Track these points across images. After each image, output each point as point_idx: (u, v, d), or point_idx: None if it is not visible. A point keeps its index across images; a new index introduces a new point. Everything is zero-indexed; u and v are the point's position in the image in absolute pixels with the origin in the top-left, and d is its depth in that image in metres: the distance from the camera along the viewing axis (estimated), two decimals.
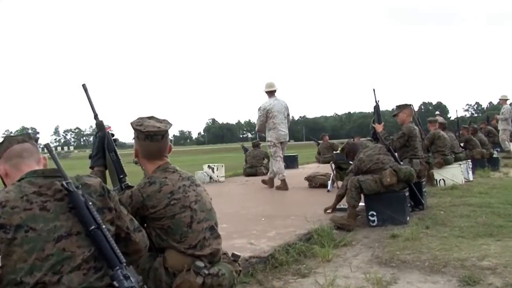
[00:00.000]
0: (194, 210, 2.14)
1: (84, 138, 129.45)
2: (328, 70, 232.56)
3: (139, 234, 1.82)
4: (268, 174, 7.84)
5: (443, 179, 7.07)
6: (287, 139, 7.39)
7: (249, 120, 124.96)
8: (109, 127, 2.32)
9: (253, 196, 6.81)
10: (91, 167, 2.29)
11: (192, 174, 2.33)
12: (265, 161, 10.43)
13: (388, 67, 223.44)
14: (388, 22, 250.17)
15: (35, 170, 1.64)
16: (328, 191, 6.63)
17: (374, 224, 4.41)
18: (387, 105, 49.72)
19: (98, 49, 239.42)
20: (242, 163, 11.17)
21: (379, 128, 5.39)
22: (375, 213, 4.43)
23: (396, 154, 4.98)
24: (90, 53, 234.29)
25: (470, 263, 2.97)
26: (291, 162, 12.03)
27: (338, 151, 9.14)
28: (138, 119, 2.24)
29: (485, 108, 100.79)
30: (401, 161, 5.15)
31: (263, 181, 7.83)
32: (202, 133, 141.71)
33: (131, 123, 2.23)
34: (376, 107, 5.56)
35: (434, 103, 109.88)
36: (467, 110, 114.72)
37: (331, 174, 6.95)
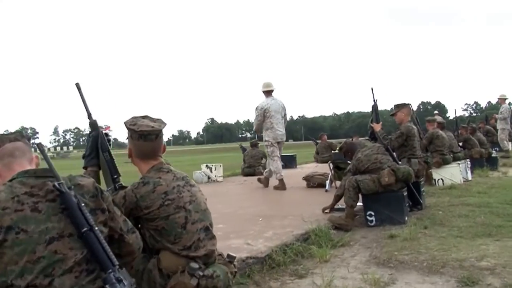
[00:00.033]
0: (189, 210, 2.11)
1: (84, 138, 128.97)
2: (327, 70, 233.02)
3: (132, 235, 1.80)
4: (264, 173, 7.84)
5: (441, 179, 7.05)
6: (284, 139, 7.39)
7: (248, 120, 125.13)
8: (108, 127, 2.30)
9: (250, 196, 6.80)
10: (85, 167, 2.27)
11: (187, 174, 2.31)
12: (263, 161, 10.42)
13: (388, 67, 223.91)
14: (388, 22, 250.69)
15: (26, 170, 1.61)
16: (326, 190, 6.61)
17: (372, 224, 4.39)
18: (385, 105, 49.83)
19: (98, 49, 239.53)
20: (241, 163, 11.16)
21: (377, 127, 5.37)
22: (373, 213, 4.41)
23: (394, 153, 4.95)
24: (89, 53, 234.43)
25: (469, 264, 2.95)
26: (289, 161, 12.04)
27: (336, 151, 9.12)
28: (132, 118, 2.22)
29: (484, 107, 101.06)
30: (400, 160, 5.13)
31: (259, 180, 7.88)
32: (201, 132, 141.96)
33: (125, 123, 2.20)
34: (374, 106, 5.55)
35: (432, 102, 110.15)
36: (465, 110, 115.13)
37: (329, 173, 6.93)
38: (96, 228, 1.54)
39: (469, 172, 7.71)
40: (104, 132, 2.29)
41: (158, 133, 2.19)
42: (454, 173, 7.06)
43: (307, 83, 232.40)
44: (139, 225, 2.11)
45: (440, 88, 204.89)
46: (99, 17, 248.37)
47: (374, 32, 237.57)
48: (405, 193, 4.55)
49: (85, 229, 1.51)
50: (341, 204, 4.65)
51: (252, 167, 10.46)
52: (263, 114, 7.09)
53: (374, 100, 5.50)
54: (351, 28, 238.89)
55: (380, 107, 5.94)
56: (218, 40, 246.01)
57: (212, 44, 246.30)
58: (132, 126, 2.17)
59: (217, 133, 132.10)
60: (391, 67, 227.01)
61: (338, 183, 6.01)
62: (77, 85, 2.25)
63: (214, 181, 9.21)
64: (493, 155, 9.90)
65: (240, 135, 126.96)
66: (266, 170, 7.75)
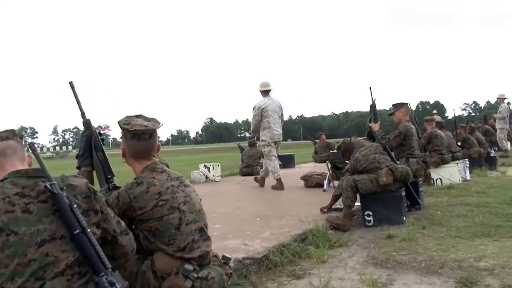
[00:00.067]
0: (183, 211, 2.08)
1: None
2: (326, 69, 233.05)
3: (126, 237, 1.77)
4: (260, 172, 7.84)
5: (440, 179, 7.04)
6: (281, 138, 7.40)
7: (247, 119, 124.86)
8: (108, 126, 2.27)
9: (248, 196, 6.77)
10: (78, 167, 2.24)
11: (186, 174, 2.28)
12: (262, 160, 10.37)
13: (387, 67, 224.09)
14: (388, 22, 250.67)
15: (18, 170, 1.59)
16: (324, 190, 6.59)
17: (370, 224, 4.37)
18: (384, 104, 49.80)
19: (98, 48, 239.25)
20: (239, 163, 11.14)
21: (375, 127, 5.35)
22: (371, 213, 4.39)
23: (392, 153, 4.93)
24: (89, 53, 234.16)
25: (467, 264, 2.93)
26: (287, 161, 12.03)
27: (334, 150, 9.11)
28: (125, 117, 2.19)
29: (482, 107, 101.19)
30: (398, 160, 5.11)
31: (255, 179, 7.89)
32: (200, 132, 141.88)
33: (118, 122, 2.17)
34: (373, 105, 5.54)
35: (431, 102, 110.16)
36: (464, 109, 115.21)
37: (327, 173, 6.91)
38: (89, 230, 1.51)
39: (467, 171, 7.69)
40: (102, 131, 2.27)
41: (152, 133, 2.16)
42: (452, 172, 7.04)
43: (306, 83, 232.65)
44: (133, 226, 2.08)
45: (439, 87, 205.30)
46: (99, 16, 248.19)
47: (374, 32, 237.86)
48: (403, 193, 4.52)
49: (77, 231, 1.48)
50: (339, 204, 4.62)
51: (250, 167, 10.45)
52: (261, 114, 7.08)
53: (372, 100, 5.49)
54: (351, 28, 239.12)
55: (379, 107, 5.93)
56: (217, 39, 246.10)
57: (211, 43, 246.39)
58: (126, 125, 2.14)
59: (216, 132, 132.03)
60: (390, 66, 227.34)
61: (336, 183, 5.98)
62: (71, 83, 2.22)
63: (212, 181, 9.19)
64: (491, 154, 9.89)
65: (239, 135, 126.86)
66: (262, 169, 7.74)
